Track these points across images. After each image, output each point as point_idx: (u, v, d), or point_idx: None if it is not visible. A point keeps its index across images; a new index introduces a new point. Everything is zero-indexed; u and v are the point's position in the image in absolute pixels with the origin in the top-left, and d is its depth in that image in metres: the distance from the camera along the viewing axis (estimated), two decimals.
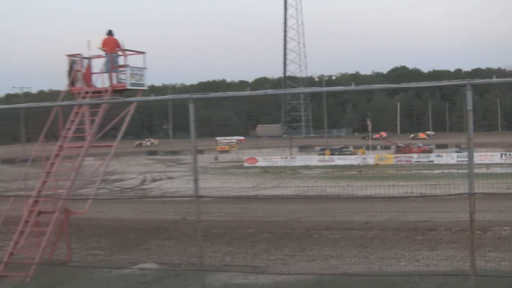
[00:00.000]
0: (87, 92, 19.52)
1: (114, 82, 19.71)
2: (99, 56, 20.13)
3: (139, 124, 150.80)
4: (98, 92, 19.55)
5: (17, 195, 19.76)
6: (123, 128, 19.42)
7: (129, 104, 19.08)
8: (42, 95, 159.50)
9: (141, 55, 20.26)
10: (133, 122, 20.05)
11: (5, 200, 18.75)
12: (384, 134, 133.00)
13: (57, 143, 19.25)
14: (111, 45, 19.79)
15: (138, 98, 10.94)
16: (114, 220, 28.75)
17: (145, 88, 20.28)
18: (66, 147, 19.01)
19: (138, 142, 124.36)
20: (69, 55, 20.08)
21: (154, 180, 54.00)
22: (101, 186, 20.78)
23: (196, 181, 9.16)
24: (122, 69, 19.76)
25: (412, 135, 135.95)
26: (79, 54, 20.09)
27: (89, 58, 20.27)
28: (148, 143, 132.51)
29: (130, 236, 25.14)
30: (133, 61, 20.02)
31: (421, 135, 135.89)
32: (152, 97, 9.66)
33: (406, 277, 14.24)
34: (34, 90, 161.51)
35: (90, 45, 20.35)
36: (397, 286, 13.27)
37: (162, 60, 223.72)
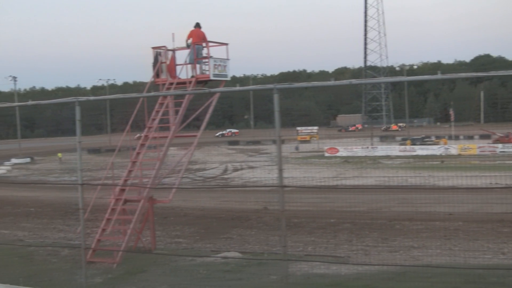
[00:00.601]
0: (171, 83, 19.87)
1: (198, 73, 20.00)
2: (183, 48, 20.43)
3: (220, 114, 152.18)
4: (182, 83, 19.87)
5: (104, 184, 20.29)
6: (206, 118, 19.68)
7: (212, 95, 19.31)
8: (127, 87, 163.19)
9: (224, 46, 20.47)
10: (214, 112, 20.27)
11: (92, 189, 19.27)
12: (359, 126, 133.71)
13: (143, 133, 19.70)
14: (197, 37, 20.06)
15: (225, 88, 11.02)
16: (197, 209, 29.18)
17: (228, 79, 20.49)
18: (151, 137, 19.42)
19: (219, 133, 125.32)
20: (154, 47, 20.47)
21: (235, 170, 54.34)
22: (184, 176, 21.07)
23: (280, 170, 9.21)
24: (205, 60, 20.02)
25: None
26: (163, 46, 20.44)
27: (173, 50, 20.62)
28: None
29: (212, 224, 25.48)
30: (216, 52, 20.26)
31: (393, 126, 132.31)
32: (237, 88, 9.72)
33: (492, 270, 13.95)
34: (119, 82, 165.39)
35: (174, 37, 20.70)
36: (483, 280, 13.00)
37: (244, 51, 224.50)
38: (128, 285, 15.32)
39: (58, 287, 15.31)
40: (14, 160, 75.14)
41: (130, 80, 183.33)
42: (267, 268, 15.68)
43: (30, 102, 12.59)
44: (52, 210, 31.46)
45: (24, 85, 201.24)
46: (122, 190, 18.78)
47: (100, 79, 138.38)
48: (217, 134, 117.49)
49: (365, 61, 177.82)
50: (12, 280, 13.91)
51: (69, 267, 17.33)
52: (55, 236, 24.12)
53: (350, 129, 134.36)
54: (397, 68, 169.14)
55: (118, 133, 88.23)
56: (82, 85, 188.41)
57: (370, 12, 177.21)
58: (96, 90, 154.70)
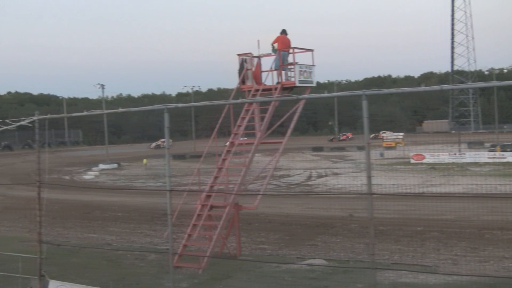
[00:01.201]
0: (257, 90, 19.93)
1: (283, 79, 20.00)
2: (269, 55, 20.50)
3: (304, 121, 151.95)
4: (268, 90, 19.90)
5: (191, 190, 20.50)
6: (292, 124, 19.65)
7: (298, 101, 19.26)
8: (211, 93, 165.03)
9: (309, 53, 20.40)
10: (298, 119, 20.22)
11: (178, 195, 19.49)
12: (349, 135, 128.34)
13: (228, 140, 19.83)
14: (283, 44, 20.09)
15: (313, 95, 10.95)
16: (281, 215, 29.13)
17: (313, 85, 20.41)
18: (237, 144, 19.52)
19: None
20: (239, 54, 20.60)
21: (319, 176, 54.10)
22: (268, 182, 21.07)
23: (369, 177, 9.06)
24: (291, 66, 20.00)
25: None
26: (249, 53, 20.55)
27: (258, 57, 20.69)
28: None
29: (297, 231, 25.38)
30: (302, 58, 20.21)
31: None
32: (326, 94, 9.56)
33: None
34: (204, 88, 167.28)
35: (260, 44, 20.77)
36: None
37: (328, 57, 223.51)
38: None
39: None
40: (101, 166, 77.06)
41: (214, 86, 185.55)
42: (353, 276, 15.51)
43: (120, 110, 12.81)
44: (139, 215, 32.02)
45: (111, 92, 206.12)
46: (208, 196, 18.93)
47: (185, 86, 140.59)
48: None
49: (452, 66, 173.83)
50: (102, 283, 14.23)
51: (156, 272, 17.60)
52: (142, 241, 24.52)
53: (342, 138, 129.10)
54: (486, 72, 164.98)
55: (203, 139, 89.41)
56: (167, 92, 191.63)
57: (458, 15, 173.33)
58: (181, 96, 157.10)
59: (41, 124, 13.16)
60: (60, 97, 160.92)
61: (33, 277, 13.09)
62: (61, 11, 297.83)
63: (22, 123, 13.30)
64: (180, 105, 11.82)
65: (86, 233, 27.32)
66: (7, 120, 13.65)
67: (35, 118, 13.00)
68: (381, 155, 73.67)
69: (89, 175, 68.03)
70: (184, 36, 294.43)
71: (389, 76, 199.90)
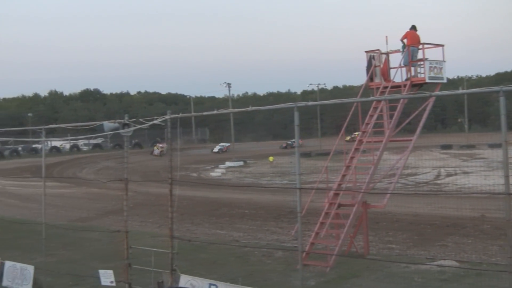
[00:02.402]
0: (385, 87, 19.64)
1: (413, 76, 19.61)
2: (397, 51, 20.16)
3: (432, 118, 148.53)
4: (396, 87, 19.57)
5: (319, 188, 20.45)
6: (421, 122, 19.24)
7: (428, 98, 18.82)
8: (336, 91, 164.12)
9: (439, 48, 19.89)
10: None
11: (304, 192, 19.54)
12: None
13: (356, 138, 19.65)
14: (412, 39, 19.70)
15: (446, 92, 10.64)
16: (409, 215, 28.55)
17: (444, 81, 19.89)
18: (365, 141, 19.31)
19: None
20: (367, 51, 20.38)
21: (448, 175, 52.71)
22: (397, 181, 20.72)
23: (506, 177, 8.69)
24: (420, 62, 19.57)
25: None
26: (377, 50, 20.29)
27: (386, 53, 20.39)
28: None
29: (426, 231, 24.80)
30: (432, 54, 19.73)
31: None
32: (460, 91, 9.27)
33: None
34: (329, 86, 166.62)
35: (388, 40, 20.46)
36: None
37: (458, 52, 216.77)
38: None
39: (274, 287, 15.66)
40: (228, 163, 78.41)
41: (340, 84, 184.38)
42: (486, 279, 14.94)
43: (250, 108, 12.95)
44: (266, 212, 32.29)
45: (237, 91, 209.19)
46: (336, 194, 18.84)
47: (310, 84, 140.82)
48: None
49: None
50: (230, 279, 14.43)
51: (283, 269, 17.70)
52: (269, 238, 24.70)
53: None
54: None
55: (328, 137, 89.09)
56: (293, 90, 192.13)
57: None
58: (306, 94, 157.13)
59: (171, 122, 13.49)
60: (188, 96, 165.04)
61: (165, 271, 13.47)
62: (186, 11, 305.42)
63: (155, 122, 13.69)
64: (310, 103, 11.82)
65: (214, 230, 27.85)
66: (141, 119, 14.09)
67: (167, 117, 13.35)
68: None
69: (216, 173, 69.42)
70: (310, 33, 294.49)
71: None
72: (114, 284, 14.17)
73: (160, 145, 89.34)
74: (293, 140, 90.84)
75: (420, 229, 25.29)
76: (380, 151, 18.99)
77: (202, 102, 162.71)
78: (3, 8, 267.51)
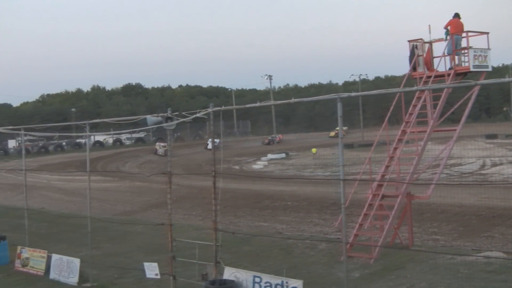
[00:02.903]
0: (429, 76, 19.41)
1: (457, 64, 19.33)
2: (440, 40, 19.88)
3: (476, 107, 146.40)
4: (440, 76, 19.31)
5: (363, 179, 20.34)
6: (466, 112, 18.95)
7: (472, 88, 18.52)
8: (378, 81, 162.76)
9: (484, 36, 19.55)
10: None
11: (347, 184, 19.43)
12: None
13: (400, 128, 19.46)
14: (455, 28, 19.39)
15: (492, 80, 10.40)
16: (454, 206, 28.21)
17: (489, 69, 19.52)
18: (409, 132, 19.11)
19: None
20: (410, 40, 20.15)
21: (494, 165, 51.94)
22: (441, 171, 20.46)
23: None
24: (464, 51, 19.28)
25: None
26: (420, 39, 20.04)
27: (430, 43, 20.13)
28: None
29: (471, 222, 24.52)
30: (477, 42, 19.40)
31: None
32: (506, 79, 9.01)
33: None
34: (370, 76, 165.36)
35: (431, 29, 20.19)
36: None
37: (503, 40, 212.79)
38: (386, 281, 15.22)
39: (319, 279, 15.62)
40: (270, 156, 78.44)
41: (381, 74, 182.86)
42: None
43: (293, 100, 12.92)
44: (308, 204, 32.23)
45: (278, 83, 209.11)
46: (380, 186, 18.70)
47: (352, 75, 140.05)
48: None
49: None
50: (274, 271, 14.43)
51: (327, 261, 17.64)
52: (312, 230, 24.68)
53: (277, 139, 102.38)
54: None
55: (369, 127, 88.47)
56: (334, 81, 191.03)
57: None
58: (347, 85, 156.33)
59: (214, 115, 13.51)
60: (229, 89, 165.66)
61: (209, 263, 13.54)
62: (226, 4, 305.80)
63: (197, 115, 13.73)
64: (353, 94, 11.73)
65: (257, 222, 27.92)
66: (183, 113, 14.14)
67: (209, 110, 13.37)
68: None
69: (258, 165, 69.52)
70: (351, 23, 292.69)
71: None
72: (159, 277, 14.31)
73: (162, 144, 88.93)
74: (274, 135, 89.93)
75: (465, 220, 25.01)
76: (424, 141, 18.76)
77: (244, 95, 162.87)
78: (47, 5, 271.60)
